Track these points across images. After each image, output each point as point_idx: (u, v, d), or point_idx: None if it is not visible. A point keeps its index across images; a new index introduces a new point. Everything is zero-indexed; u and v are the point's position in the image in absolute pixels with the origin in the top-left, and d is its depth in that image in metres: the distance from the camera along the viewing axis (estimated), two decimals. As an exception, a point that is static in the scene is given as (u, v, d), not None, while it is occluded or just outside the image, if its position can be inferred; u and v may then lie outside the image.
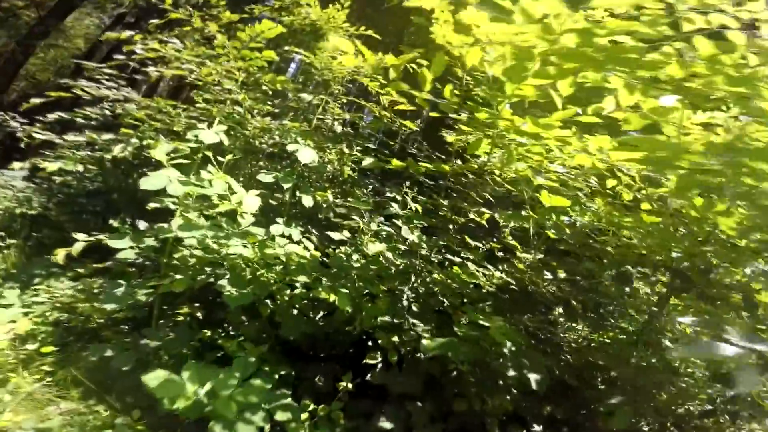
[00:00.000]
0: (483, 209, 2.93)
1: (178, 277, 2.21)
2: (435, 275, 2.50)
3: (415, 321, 2.29)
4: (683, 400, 2.50)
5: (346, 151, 3.45)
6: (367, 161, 2.28)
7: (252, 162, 3.18)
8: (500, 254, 3.54)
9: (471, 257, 3.14)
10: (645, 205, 2.42)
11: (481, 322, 2.10)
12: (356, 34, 4.05)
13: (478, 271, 2.96)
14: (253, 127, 3.09)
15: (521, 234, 3.66)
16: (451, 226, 2.97)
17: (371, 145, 3.86)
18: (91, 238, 2.45)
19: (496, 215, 2.96)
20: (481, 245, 3.32)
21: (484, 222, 3.42)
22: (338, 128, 3.16)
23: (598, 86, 1.85)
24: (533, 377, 1.99)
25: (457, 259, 2.99)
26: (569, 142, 1.84)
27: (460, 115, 1.97)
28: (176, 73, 3.50)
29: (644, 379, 2.36)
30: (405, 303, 2.38)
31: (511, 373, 2.00)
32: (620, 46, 1.45)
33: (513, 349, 2.06)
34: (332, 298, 2.07)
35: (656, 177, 2.31)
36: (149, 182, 2.01)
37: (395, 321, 2.27)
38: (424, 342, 2.08)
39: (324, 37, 4.30)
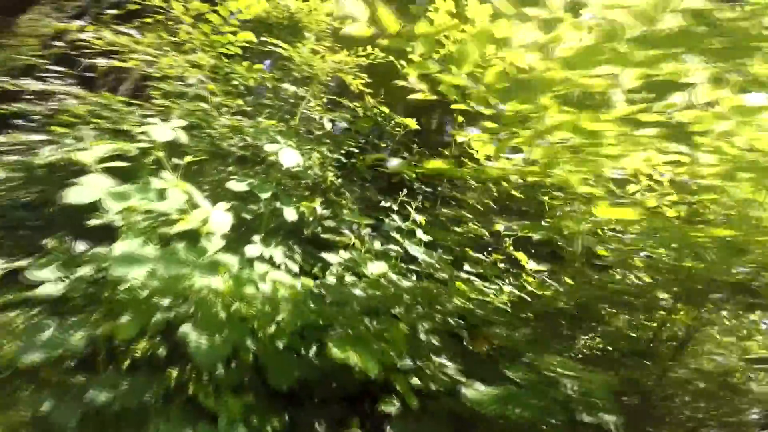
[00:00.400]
0: (495, 219, 2.47)
1: (124, 319, 1.62)
2: (456, 300, 2.00)
3: (442, 361, 1.79)
4: (736, 412, 2.16)
5: (329, 154, 2.93)
6: (394, 163, 1.75)
7: (219, 167, 2.61)
8: (503, 266, 3.12)
9: (477, 272, 2.69)
10: (675, 213, 2.03)
11: (565, 371, 1.60)
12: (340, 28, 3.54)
13: (487, 287, 2.50)
14: (221, 125, 2.51)
15: (522, 245, 3.24)
16: (458, 239, 2.50)
17: (353, 149, 3.34)
18: (11, 265, 1.83)
19: (510, 226, 2.53)
20: (483, 257, 2.87)
21: (485, 233, 2.98)
22: (328, 125, 2.62)
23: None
24: (610, 419, 1.53)
25: (464, 275, 2.51)
26: (642, 143, 1.40)
27: (492, 108, 1.50)
28: (130, 65, 2.89)
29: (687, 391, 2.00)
30: (423, 337, 1.87)
31: (586, 418, 1.52)
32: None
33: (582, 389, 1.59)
34: (352, 359, 1.50)
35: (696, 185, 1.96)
36: (75, 194, 1.42)
37: (417, 363, 1.75)
38: (468, 394, 1.58)
39: (304, 32, 3.75)
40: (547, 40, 1.29)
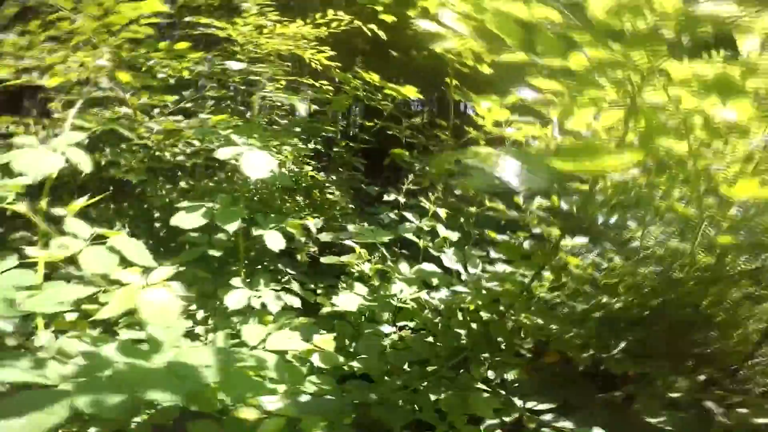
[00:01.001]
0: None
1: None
2: (527, 319, 1.43)
3: (535, 406, 1.21)
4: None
5: (303, 145, 2.24)
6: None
7: (160, 186, 1.88)
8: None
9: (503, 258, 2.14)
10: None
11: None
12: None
13: (524, 275, 1.95)
14: (154, 132, 1.78)
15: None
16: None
17: (329, 134, 2.65)
18: None
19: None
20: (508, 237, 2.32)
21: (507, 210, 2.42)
22: (302, 109, 1.91)
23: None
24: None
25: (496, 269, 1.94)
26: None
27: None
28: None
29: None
30: (491, 375, 1.30)
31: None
32: None
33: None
34: None
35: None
36: None
37: (503, 419, 1.18)
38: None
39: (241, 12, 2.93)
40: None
